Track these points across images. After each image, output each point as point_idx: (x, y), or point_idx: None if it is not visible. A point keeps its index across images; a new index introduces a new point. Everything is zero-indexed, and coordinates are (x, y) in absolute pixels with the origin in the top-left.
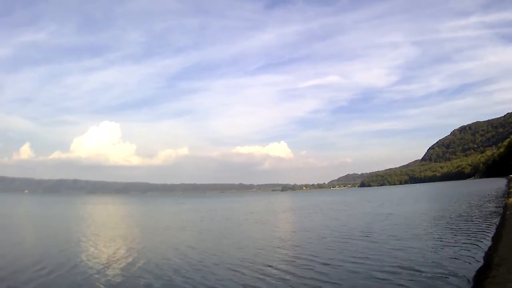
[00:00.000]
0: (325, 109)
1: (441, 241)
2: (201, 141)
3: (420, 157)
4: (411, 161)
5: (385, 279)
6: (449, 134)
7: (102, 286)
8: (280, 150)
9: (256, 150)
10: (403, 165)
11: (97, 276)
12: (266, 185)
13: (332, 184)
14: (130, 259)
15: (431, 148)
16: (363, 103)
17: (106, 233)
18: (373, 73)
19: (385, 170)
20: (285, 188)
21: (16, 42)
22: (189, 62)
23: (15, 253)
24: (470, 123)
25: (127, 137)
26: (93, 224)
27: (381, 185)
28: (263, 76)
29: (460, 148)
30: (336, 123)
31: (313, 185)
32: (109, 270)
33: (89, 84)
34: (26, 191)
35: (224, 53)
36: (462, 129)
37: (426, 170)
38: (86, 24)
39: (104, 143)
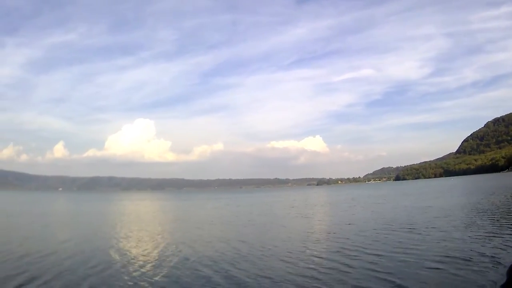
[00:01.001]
0: (359, 102)
1: (484, 232)
2: (236, 137)
3: (454, 150)
4: (445, 154)
5: (435, 268)
6: (483, 126)
7: (161, 280)
8: (315, 144)
9: (291, 144)
10: (438, 158)
11: (153, 271)
12: (301, 179)
13: (367, 178)
14: (184, 253)
15: (465, 140)
16: (397, 96)
17: (153, 229)
18: (406, 66)
19: (420, 163)
20: (320, 182)
21: (47, 44)
22: (221, 59)
23: (66, 250)
24: (504, 114)
25: (162, 134)
26: (137, 220)
27: (416, 178)
28: (296, 71)
29: (494, 140)
30: (370, 116)
31: (348, 179)
32: (166, 264)
33: (122, 83)
34: (60, 188)
35: (256, 48)
36: (496, 121)
37: (460, 163)
38: (117, 24)
39: (139, 140)
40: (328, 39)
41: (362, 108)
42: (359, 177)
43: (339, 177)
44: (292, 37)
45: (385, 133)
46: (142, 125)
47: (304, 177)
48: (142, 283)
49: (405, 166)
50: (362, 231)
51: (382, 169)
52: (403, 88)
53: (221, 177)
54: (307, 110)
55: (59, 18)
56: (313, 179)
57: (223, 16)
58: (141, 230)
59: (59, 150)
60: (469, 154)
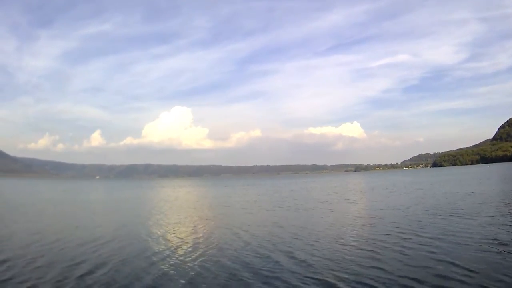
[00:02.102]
0: (396, 88)
1: None
2: (273, 123)
3: (491, 136)
4: (482, 141)
5: (488, 251)
6: None
7: (231, 264)
8: (352, 130)
9: (329, 130)
10: (475, 145)
11: (220, 255)
12: (339, 165)
13: (404, 164)
14: (243, 237)
15: (502, 127)
16: (434, 81)
17: (203, 214)
18: (442, 51)
19: (457, 150)
20: (358, 168)
21: (82, 34)
22: (258, 45)
23: (122, 237)
24: None
25: (199, 121)
26: (184, 206)
27: (452, 165)
28: (333, 57)
29: None
30: (407, 102)
31: (386, 165)
32: (230, 248)
33: (158, 71)
34: (97, 177)
35: (293, 34)
36: None
37: (497, 150)
38: (151, 13)
39: (176, 128)
40: (364, 24)
41: (399, 94)
42: (396, 163)
43: (376, 163)
44: (328, 23)
45: (422, 119)
46: (179, 112)
47: (342, 163)
48: (211, 267)
49: (442, 152)
50: (409, 216)
51: (420, 155)
52: (439, 73)
53: (258, 164)
54: (344, 96)
55: (94, 9)
56: (350, 165)
57: (259, 3)
58: (191, 216)
59: (96, 139)
60: (506, 141)
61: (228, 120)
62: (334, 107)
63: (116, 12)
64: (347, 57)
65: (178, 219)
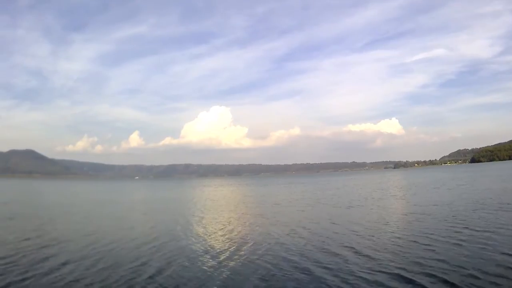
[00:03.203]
0: (433, 83)
1: None
2: (312, 121)
3: None
4: None
5: None
6: None
7: (297, 260)
8: (391, 126)
9: (368, 127)
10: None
11: (285, 251)
12: (378, 162)
13: (443, 160)
14: (302, 234)
15: None
16: (470, 75)
17: (255, 212)
18: (477, 44)
19: (495, 145)
20: (397, 165)
21: (117, 37)
22: (295, 43)
23: (180, 236)
24: None
25: (238, 120)
26: (234, 204)
27: (490, 160)
28: (370, 53)
29: None
30: (444, 97)
31: (424, 161)
32: (292, 244)
33: (196, 71)
34: (137, 177)
35: (329, 31)
36: None
37: None
38: (187, 13)
39: (215, 127)
40: (399, 19)
41: (436, 89)
42: (435, 159)
43: (415, 159)
44: (363, 19)
45: (459, 114)
46: (218, 112)
47: (381, 160)
48: (280, 262)
49: (480, 148)
50: (456, 210)
51: (458, 151)
52: (475, 67)
53: (298, 162)
54: (382, 92)
55: (127, 12)
56: (389, 162)
57: (294, 1)
58: (244, 214)
59: (134, 140)
60: None
61: (267, 119)
62: (372, 103)
63: (151, 13)
64: (384, 52)
65: (231, 217)
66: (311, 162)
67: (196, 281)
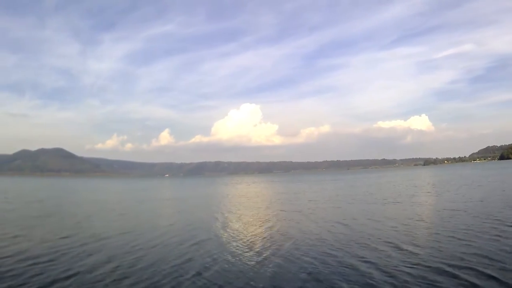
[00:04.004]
0: (462, 79)
1: None
2: (342, 118)
3: None
4: None
5: None
6: None
7: (342, 256)
8: (421, 123)
9: (398, 124)
10: None
11: (329, 250)
12: (408, 159)
13: (472, 157)
14: (342, 230)
15: None
16: (500, 71)
17: (292, 208)
18: (506, 39)
19: None
20: (427, 162)
21: (146, 36)
22: (324, 40)
23: (220, 235)
24: None
25: (268, 117)
26: (268, 201)
27: None
28: (398, 49)
29: None
30: (473, 93)
31: (454, 158)
32: (335, 241)
33: (225, 69)
34: (167, 175)
35: (357, 28)
36: None
37: None
38: (215, 12)
39: (245, 125)
40: (426, 14)
41: (464, 85)
42: (464, 156)
43: (444, 156)
44: (391, 15)
45: (488, 110)
46: (248, 109)
47: (411, 157)
48: (326, 258)
49: (509, 144)
50: (490, 206)
51: (487, 147)
52: (504, 62)
53: (328, 159)
54: (411, 88)
55: (155, 11)
56: (419, 159)
57: None
58: (281, 211)
59: (165, 138)
60: None
61: (297, 116)
62: (402, 100)
63: (179, 12)
64: (412, 49)
65: (269, 214)
66: (341, 159)
67: (243, 278)
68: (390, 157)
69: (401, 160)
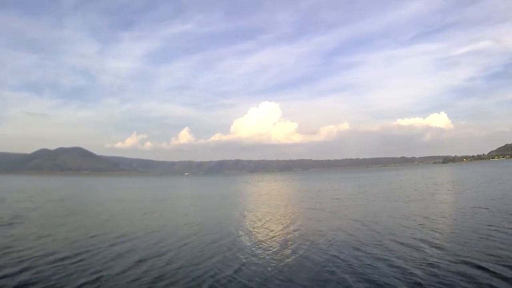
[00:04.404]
0: (480, 76)
1: None
2: (361, 116)
3: None
4: None
5: None
6: None
7: (376, 252)
8: (440, 121)
9: (417, 122)
10: None
11: (363, 248)
12: (427, 157)
13: (491, 155)
14: (372, 227)
15: None
16: None
17: (317, 206)
18: None
19: None
20: (446, 160)
21: (164, 35)
22: (343, 37)
23: (250, 233)
24: None
25: (287, 115)
26: (292, 199)
27: None
28: (417, 46)
29: None
30: (491, 90)
31: (473, 156)
32: (366, 237)
33: (244, 67)
34: (186, 173)
35: (376, 25)
36: None
37: None
38: (234, 10)
39: (265, 123)
40: (445, 11)
41: (482, 82)
42: (483, 154)
43: (463, 154)
44: (409, 11)
45: (507, 107)
46: (267, 107)
47: (430, 155)
48: (362, 256)
49: None
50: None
51: (506, 145)
52: None
53: (347, 157)
54: (429, 85)
55: (173, 10)
56: (438, 156)
57: None
58: (306, 208)
59: (184, 136)
60: None
61: (316, 114)
62: (421, 97)
63: (197, 11)
64: (431, 46)
65: (295, 212)
66: (360, 158)
67: (280, 276)
68: (409, 155)
69: (420, 158)
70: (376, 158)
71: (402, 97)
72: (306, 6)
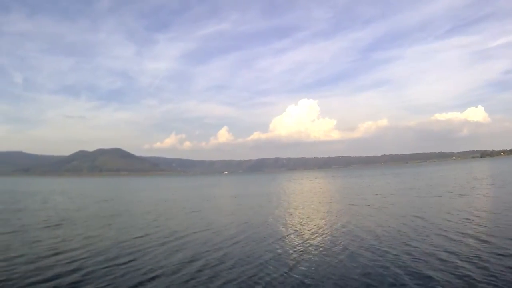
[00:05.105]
0: None
1: None
2: (399, 111)
3: None
4: None
5: None
6: None
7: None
8: (477, 115)
9: (454, 116)
10: None
11: (424, 243)
12: (465, 152)
13: None
14: (419, 223)
15: None
16: None
17: (371, 202)
18: None
19: None
20: (483, 154)
21: (200, 35)
22: (379, 32)
23: (314, 231)
24: None
25: (326, 112)
26: (341, 196)
27: None
28: (452, 39)
29: None
30: None
31: (510, 150)
32: (425, 232)
33: (281, 65)
34: (226, 172)
35: (411, 19)
36: None
37: None
38: (268, 8)
39: (304, 120)
40: (479, 3)
41: None
42: None
43: (501, 148)
44: (443, 4)
45: None
46: (306, 105)
47: (468, 150)
48: (427, 249)
49: None
50: None
51: None
52: None
53: (386, 153)
54: (465, 79)
55: (209, 10)
56: (476, 151)
57: None
58: (357, 205)
59: (223, 135)
60: None
61: (354, 110)
62: (457, 91)
63: (232, 10)
64: (466, 38)
65: (342, 209)
66: (399, 153)
67: (336, 273)
68: (447, 150)
69: (458, 152)
70: (414, 153)
71: (439, 91)
72: (341, 2)
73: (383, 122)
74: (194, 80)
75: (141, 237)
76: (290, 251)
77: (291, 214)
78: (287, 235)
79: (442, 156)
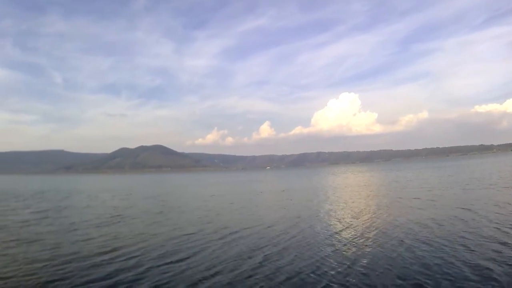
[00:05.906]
0: None
1: None
2: (439, 104)
3: None
4: None
5: None
6: None
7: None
8: None
9: (494, 108)
10: None
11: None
12: (505, 144)
13: None
14: (488, 216)
15: None
16: None
17: (422, 196)
18: None
19: None
20: None
21: (238, 31)
22: (416, 24)
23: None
24: None
25: (367, 106)
26: (389, 189)
27: None
28: (488, 30)
29: None
30: None
31: None
32: (478, 226)
33: (321, 59)
34: (268, 167)
35: (447, 10)
36: None
37: None
38: (306, 3)
39: (345, 114)
40: None
41: None
42: None
43: None
44: None
45: None
46: (347, 99)
47: (508, 142)
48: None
49: None
50: None
51: None
52: None
53: (427, 146)
54: (504, 70)
55: (245, 6)
56: None
57: None
58: (402, 198)
59: (265, 130)
60: None
61: (395, 103)
62: (496, 82)
63: (269, 6)
64: (502, 29)
65: (391, 202)
66: (440, 146)
67: (396, 267)
68: (487, 142)
69: (498, 145)
70: (455, 146)
71: (478, 83)
72: None
73: (424, 115)
74: (234, 76)
75: (194, 233)
76: (348, 245)
77: (342, 209)
78: (342, 229)
79: (483, 149)
